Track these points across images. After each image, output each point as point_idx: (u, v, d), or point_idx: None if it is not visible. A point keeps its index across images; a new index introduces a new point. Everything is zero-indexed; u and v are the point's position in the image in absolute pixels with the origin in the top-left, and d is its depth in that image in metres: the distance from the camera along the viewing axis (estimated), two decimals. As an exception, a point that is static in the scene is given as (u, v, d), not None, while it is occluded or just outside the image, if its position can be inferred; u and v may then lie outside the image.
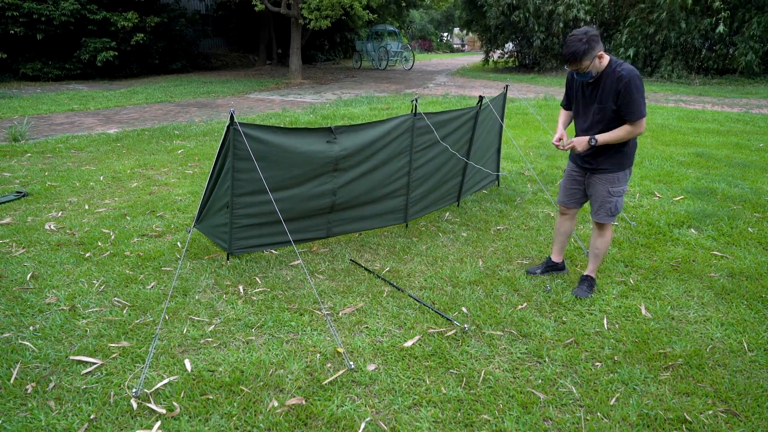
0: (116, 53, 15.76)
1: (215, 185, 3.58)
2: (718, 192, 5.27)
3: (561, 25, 17.78)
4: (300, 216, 3.74)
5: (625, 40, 16.56)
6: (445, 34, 50.36)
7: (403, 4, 26.19)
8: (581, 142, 3.03)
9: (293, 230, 3.68)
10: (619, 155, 3.09)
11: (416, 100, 3.90)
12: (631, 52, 16.46)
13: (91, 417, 2.27)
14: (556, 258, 3.60)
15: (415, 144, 4.01)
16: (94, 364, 2.62)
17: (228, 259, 3.74)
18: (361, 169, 3.80)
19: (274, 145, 3.36)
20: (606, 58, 2.90)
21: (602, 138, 2.97)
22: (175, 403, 2.35)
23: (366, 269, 3.66)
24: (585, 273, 3.43)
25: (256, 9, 15.23)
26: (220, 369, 2.60)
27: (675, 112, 10.22)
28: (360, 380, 2.53)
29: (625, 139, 2.99)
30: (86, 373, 2.55)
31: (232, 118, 3.12)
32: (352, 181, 3.80)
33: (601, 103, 2.95)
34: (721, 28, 14.38)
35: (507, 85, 5.25)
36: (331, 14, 14.51)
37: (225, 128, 3.20)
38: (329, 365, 2.65)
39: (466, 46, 50.40)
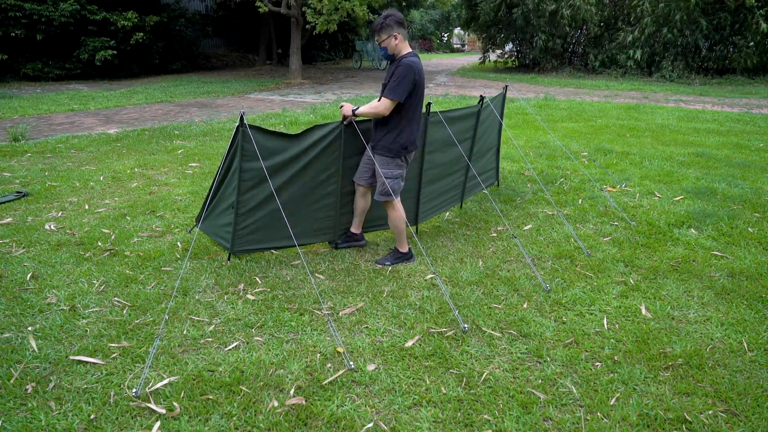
0: (115, 52, 15.75)
1: (221, 185, 3.58)
2: (718, 192, 5.27)
3: (566, 28, 17.66)
4: (306, 218, 3.73)
5: (631, 41, 16.48)
6: (445, 35, 50.35)
7: (404, 4, 26.18)
8: (347, 108, 3.43)
9: (299, 233, 3.68)
10: (390, 142, 3.43)
11: (431, 104, 3.86)
12: (638, 53, 16.34)
13: (91, 417, 2.27)
14: (354, 229, 3.96)
15: (426, 145, 4.00)
16: (94, 364, 2.62)
17: (229, 259, 3.74)
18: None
19: (282, 148, 3.38)
20: (402, 44, 3.31)
21: (361, 109, 3.38)
22: (175, 403, 2.35)
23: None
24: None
25: (260, 11, 15.22)
26: (220, 369, 2.60)
27: (675, 112, 10.22)
28: (360, 380, 2.53)
29: (374, 116, 3.40)
30: (86, 373, 2.55)
31: (242, 119, 3.13)
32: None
33: (386, 85, 3.33)
34: (764, 26, 14.12)
35: (506, 86, 5.25)
36: (336, 18, 14.50)
37: (234, 129, 3.21)
38: (329, 365, 2.65)
39: (466, 46, 50.39)
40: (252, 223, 3.55)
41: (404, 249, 3.77)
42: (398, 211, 3.61)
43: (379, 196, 3.56)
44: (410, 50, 3.36)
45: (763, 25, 14.09)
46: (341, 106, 3.46)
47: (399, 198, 3.61)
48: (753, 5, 14.18)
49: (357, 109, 3.39)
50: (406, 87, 3.24)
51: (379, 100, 3.35)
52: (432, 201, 4.40)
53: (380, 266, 3.71)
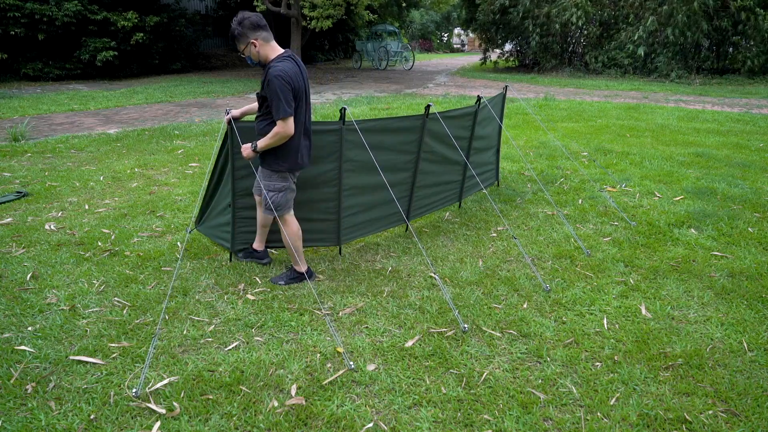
0: (116, 53, 15.76)
1: (218, 186, 3.58)
2: (718, 192, 5.27)
3: (557, 26, 17.78)
4: (305, 218, 3.69)
5: (634, 39, 16.50)
6: (445, 35, 50.36)
7: (404, 5, 26.19)
8: (245, 149, 3.06)
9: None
10: (271, 155, 3.10)
11: (430, 106, 3.83)
12: (641, 50, 16.35)
13: (91, 417, 2.27)
14: (256, 245, 3.67)
15: (422, 144, 3.98)
16: (94, 364, 2.62)
17: (231, 259, 3.74)
18: (368, 170, 3.73)
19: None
20: (265, 48, 2.97)
21: (261, 143, 3.01)
22: (175, 403, 2.35)
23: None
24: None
25: (258, 10, 15.24)
26: (220, 369, 2.60)
27: (675, 112, 10.22)
28: (360, 380, 2.53)
29: (280, 143, 3.01)
30: (86, 373, 2.55)
31: (230, 123, 3.12)
32: (358, 182, 3.76)
33: (261, 91, 3.02)
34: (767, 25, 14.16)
35: (506, 86, 5.25)
36: (333, 13, 14.50)
37: (223, 128, 3.20)
38: (329, 365, 2.65)
39: (466, 46, 50.40)
40: (251, 222, 3.55)
41: (301, 268, 3.43)
42: (291, 226, 3.30)
43: (266, 210, 3.25)
44: (280, 52, 3.01)
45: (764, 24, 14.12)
46: (242, 148, 3.08)
47: (291, 212, 3.32)
48: (754, 6, 14.20)
49: (256, 146, 3.01)
50: (288, 97, 2.89)
51: (259, 111, 3.11)
52: (426, 199, 4.39)
53: (273, 283, 3.45)
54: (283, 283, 3.43)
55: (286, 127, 2.92)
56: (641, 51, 16.38)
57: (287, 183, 3.19)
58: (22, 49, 15.20)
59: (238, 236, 3.55)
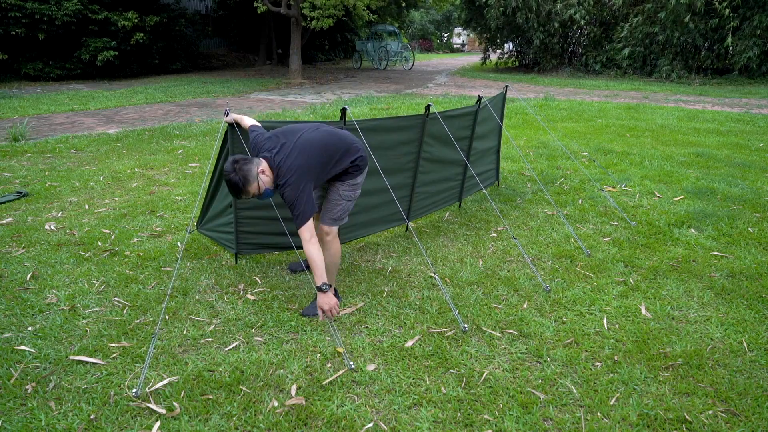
0: (116, 53, 15.77)
1: (219, 186, 3.57)
2: (718, 192, 5.27)
3: (556, 24, 17.80)
4: None
5: (624, 37, 16.57)
6: (446, 35, 50.35)
7: (403, 5, 26.17)
8: (333, 305, 2.68)
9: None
10: (347, 175, 2.92)
11: (430, 106, 3.83)
12: (626, 51, 16.47)
13: (91, 417, 2.27)
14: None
15: (423, 143, 3.98)
16: (94, 364, 2.62)
17: (236, 260, 3.73)
18: (369, 171, 3.72)
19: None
20: (268, 171, 2.68)
21: (325, 273, 2.68)
22: (175, 403, 2.35)
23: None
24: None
25: (259, 11, 15.23)
26: (220, 369, 2.60)
27: (675, 112, 10.22)
28: (360, 380, 2.53)
29: (330, 256, 2.91)
30: (86, 373, 2.55)
31: (229, 121, 3.12)
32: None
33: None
34: (729, 40, 14.31)
35: (506, 86, 5.25)
36: (335, 13, 14.49)
37: (223, 128, 3.20)
38: (329, 365, 2.65)
39: (466, 46, 50.40)
40: (253, 222, 3.54)
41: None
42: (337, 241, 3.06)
43: (330, 222, 3.01)
44: (269, 170, 2.69)
45: (729, 39, 14.25)
46: (326, 308, 2.67)
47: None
48: (728, 15, 14.26)
49: (327, 285, 2.65)
50: (305, 197, 2.63)
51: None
52: (426, 199, 4.39)
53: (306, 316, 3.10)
54: (314, 313, 3.07)
55: (304, 233, 2.63)
56: (626, 51, 16.43)
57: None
58: (22, 49, 15.20)
59: (240, 237, 3.55)
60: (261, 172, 2.65)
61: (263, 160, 2.71)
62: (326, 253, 2.95)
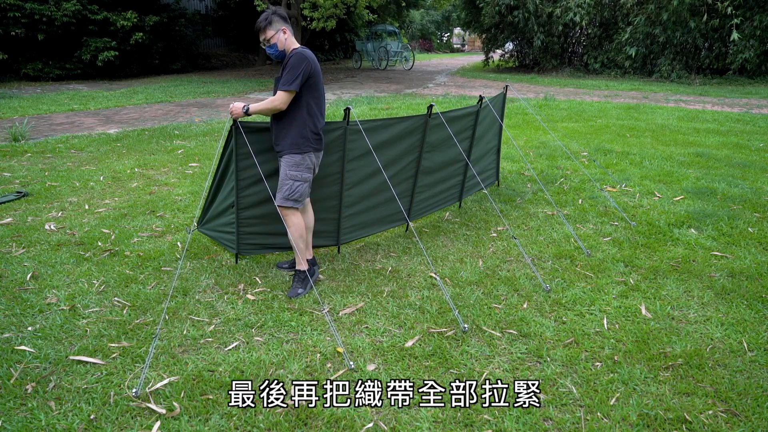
0: (117, 53, 15.77)
1: (220, 186, 3.57)
2: (718, 192, 5.27)
3: (560, 27, 17.83)
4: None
5: (626, 39, 16.57)
6: (446, 35, 50.34)
7: (403, 4, 26.18)
8: (236, 107, 3.09)
9: None
10: (297, 137, 3.14)
11: (433, 106, 3.83)
12: (633, 51, 16.45)
13: (91, 417, 2.27)
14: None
15: (424, 144, 3.98)
16: (94, 364, 2.62)
17: (237, 260, 3.73)
18: (370, 170, 3.72)
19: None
20: (291, 39, 3.16)
21: (254, 107, 3.06)
22: (175, 403, 2.35)
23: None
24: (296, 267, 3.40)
25: (258, 9, 15.23)
26: (220, 369, 2.60)
27: (675, 112, 10.22)
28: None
29: (270, 113, 3.11)
30: (86, 373, 2.55)
31: (235, 121, 3.12)
32: (360, 182, 3.76)
33: (280, 74, 3.11)
34: (735, 35, 14.24)
35: (507, 86, 5.25)
36: (336, 12, 14.47)
37: (227, 128, 3.20)
38: (329, 365, 2.65)
39: (466, 46, 50.39)
40: (254, 222, 3.54)
41: (303, 267, 3.34)
42: (295, 220, 3.23)
43: (282, 200, 3.16)
44: (299, 45, 3.17)
45: (735, 34, 14.18)
46: (231, 105, 3.09)
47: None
48: (731, 13, 14.22)
49: (248, 107, 3.03)
50: (300, 75, 3.00)
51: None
52: (427, 199, 4.39)
53: (291, 298, 3.31)
54: (302, 291, 3.31)
55: (285, 99, 3.02)
56: (632, 51, 16.43)
57: (310, 176, 3.23)
58: (22, 49, 15.21)
59: (242, 237, 3.55)
60: (283, 31, 3.11)
61: (292, 36, 3.18)
62: (291, 229, 3.25)
